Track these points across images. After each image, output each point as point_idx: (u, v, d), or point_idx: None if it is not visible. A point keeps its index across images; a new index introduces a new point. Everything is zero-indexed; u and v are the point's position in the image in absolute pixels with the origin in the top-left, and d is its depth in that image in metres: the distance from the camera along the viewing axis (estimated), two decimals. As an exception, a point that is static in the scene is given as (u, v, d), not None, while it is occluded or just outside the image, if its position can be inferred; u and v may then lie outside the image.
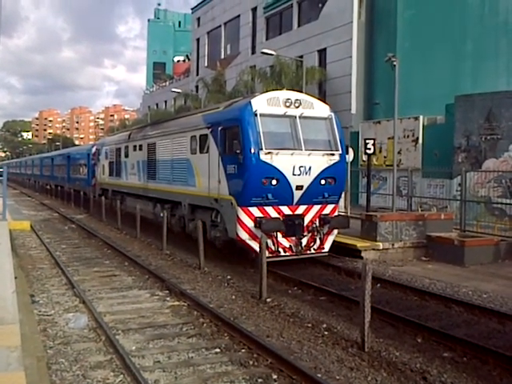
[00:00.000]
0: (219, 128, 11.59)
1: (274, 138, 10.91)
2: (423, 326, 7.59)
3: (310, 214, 11.47)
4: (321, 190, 11.35)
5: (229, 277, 11.06)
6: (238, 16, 40.67)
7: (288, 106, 11.21)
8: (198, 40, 48.78)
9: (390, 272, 11.58)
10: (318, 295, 9.54)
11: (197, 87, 43.70)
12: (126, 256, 13.22)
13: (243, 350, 6.67)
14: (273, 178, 10.73)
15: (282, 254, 11.07)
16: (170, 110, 46.83)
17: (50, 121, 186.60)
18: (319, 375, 5.85)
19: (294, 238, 11.19)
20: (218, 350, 6.71)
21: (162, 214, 15.16)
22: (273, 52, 25.87)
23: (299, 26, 33.36)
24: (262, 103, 11.01)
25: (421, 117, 21.43)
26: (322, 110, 11.83)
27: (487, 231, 14.80)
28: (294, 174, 10.87)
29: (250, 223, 10.85)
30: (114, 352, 6.47)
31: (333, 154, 11.44)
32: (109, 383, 5.70)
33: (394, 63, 16.07)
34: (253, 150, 10.55)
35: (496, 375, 6.10)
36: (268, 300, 9.13)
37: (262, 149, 10.57)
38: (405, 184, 19.23)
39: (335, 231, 11.95)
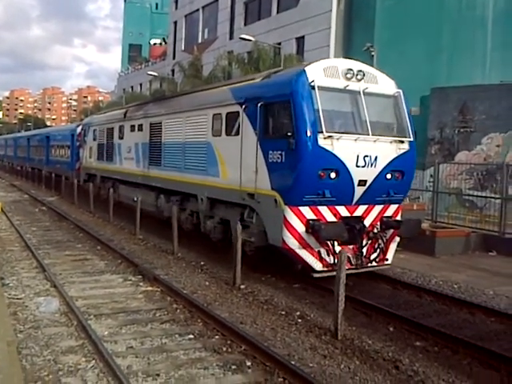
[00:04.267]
0: (259, 104, 9.28)
1: (335, 118, 8.94)
2: (395, 314, 7.71)
3: (371, 217, 9.38)
4: (386, 187, 9.27)
5: (202, 263, 11.00)
6: (217, 0, 40.08)
7: (349, 79, 9.07)
8: (175, 23, 47.94)
9: (363, 261, 11.69)
10: (291, 283, 9.58)
11: (173, 71, 43.03)
12: (98, 240, 13.01)
13: (217, 337, 6.66)
14: (332, 170, 8.60)
15: None
16: (146, 93, 46.06)
17: (22, 100, 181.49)
18: (293, 362, 5.87)
19: (351, 247, 9.10)
20: (191, 336, 6.68)
21: (135, 198, 14.83)
22: (251, 38, 25.63)
23: (278, 12, 33.12)
24: (318, 73, 8.83)
25: (396, 108, 21.58)
26: (387, 85, 9.66)
27: (458, 222, 15.11)
28: (357, 166, 8.75)
29: (300, 227, 8.66)
30: (86, 337, 6.37)
31: (402, 142, 9.33)
32: (80, 368, 5.60)
33: (372, 53, 16.14)
34: (309, 133, 8.38)
35: (466, 364, 6.23)
36: (242, 287, 9.13)
37: (321, 131, 8.42)
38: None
39: (397, 237, 9.79)
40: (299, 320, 7.56)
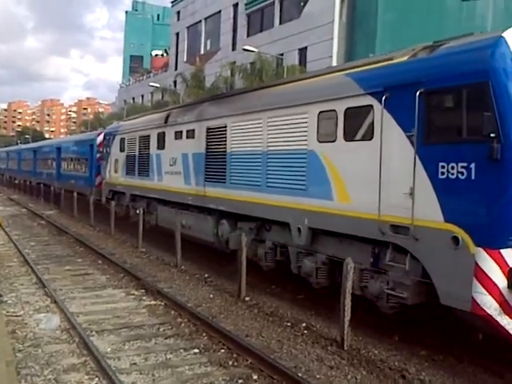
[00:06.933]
0: (418, 92, 6.44)
1: None
2: (400, 323, 7.59)
3: None
4: None
5: (206, 275, 10.91)
6: (219, 11, 40.43)
7: None
8: (177, 34, 48.35)
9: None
10: (295, 294, 9.45)
11: (175, 82, 43.29)
12: (99, 254, 12.90)
13: (222, 350, 6.57)
14: None
15: None
16: (148, 104, 46.30)
17: (20, 113, 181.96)
18: (300, 374, 5.80)
19: None
20: (196, 350, 6.59)
21: (138, 211, 14.36)
22: (254, 49, 25.80)
23: (281, 23, 33.49)
24: None
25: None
26: None
27: None
28: None
29: (501, 281, 5.79)
30: (89, 354, 6.27)
31: None
32: (83, 387, 5.50)
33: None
34: None
35: (471, 372, 6.18)
36: (247, 299, 9.04)
37: None
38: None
39: None
40: (305, 331, 7.47)
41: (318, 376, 5.92)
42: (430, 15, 25.87)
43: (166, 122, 14.08)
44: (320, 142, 8.18)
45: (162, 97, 40.58)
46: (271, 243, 9.58)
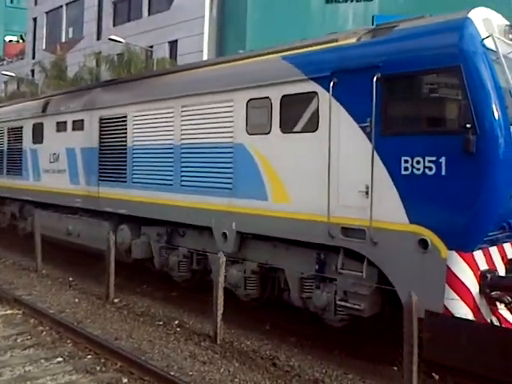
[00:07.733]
0: (375, 78, 5.74)
1: None
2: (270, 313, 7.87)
3: None
4: None
5: (71, 278, 10.34)
6: (82, -3, 38.23)
7: None
8: (34, 20, 44.69)
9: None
10: (168, 291, 9.33)
11: (33, 71, 39.98)
12: None
13: (89, 356, 6.25)
14: None
15: None
16: (1, 94, 42.12)
17: None
18: (172, 373, 5.73)
19: None
20: (60, 359, 6.18)
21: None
22: (121, 39, 24.90)
23: (149, 14, 32.71)
24: (480, 27, 5.53)
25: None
26: None
27: None
28: None
29: (473, 286, 5.34)
30: None
31: None
32: None
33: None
34: (501, 123, 5.16)
35: (337, 354, 6.59)
36: (116, 300, 8.74)
37: None
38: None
39: None
40: (178, 329, 7.42)
41: (190, 373, 5.89)
42: (297, 15, 27.38)
43: (44, 111, 12.22)
44: (250, 134, 7.21)
45: (18, 87, 37.33)
46: (186, 250, 8.43)
